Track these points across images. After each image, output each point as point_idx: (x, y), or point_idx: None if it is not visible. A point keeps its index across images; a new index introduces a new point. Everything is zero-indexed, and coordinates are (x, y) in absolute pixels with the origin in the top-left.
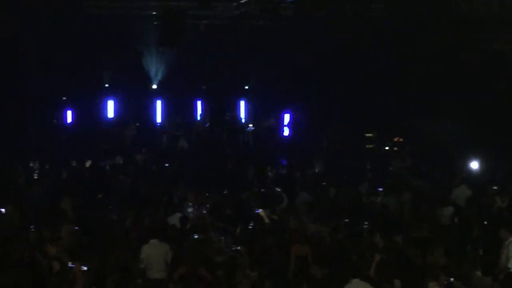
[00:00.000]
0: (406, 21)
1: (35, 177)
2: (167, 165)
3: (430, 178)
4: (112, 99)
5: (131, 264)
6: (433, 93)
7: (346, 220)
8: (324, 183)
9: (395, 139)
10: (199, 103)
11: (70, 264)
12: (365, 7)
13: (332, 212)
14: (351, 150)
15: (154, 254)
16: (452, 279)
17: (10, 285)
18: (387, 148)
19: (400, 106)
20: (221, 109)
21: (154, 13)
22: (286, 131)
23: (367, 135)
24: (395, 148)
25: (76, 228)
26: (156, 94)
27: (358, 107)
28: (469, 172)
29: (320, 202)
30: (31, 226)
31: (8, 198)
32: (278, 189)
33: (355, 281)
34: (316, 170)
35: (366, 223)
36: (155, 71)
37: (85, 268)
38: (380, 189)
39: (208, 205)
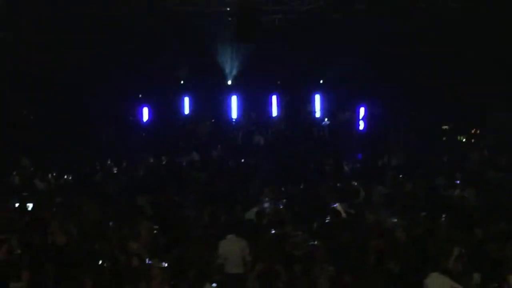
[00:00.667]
0: (482, 14)
1: (113, 174)
2: (242, 160)
3: (509, 170)
4: (188, 96)
5: (209, 260)
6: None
7: (424, 213)
8: (401, 176)
9: (472, 131)
10: (274, 98)
11: (148, 261)
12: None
13: (410, 206)
14: (428, 143)
15: (231, 249)
16: None
17: (90, 280)
18: (464, 140)
19: (477, 97)
20: (297, 104)
21: (228, 9)
22: (361, 125)
23: (444, 127)
24: (472, 140)
25: (155, 226)
26: (231, 89)
27: (434, 99)
28: None
29: (397, 195)
30: (110, 223)
31: (87, 194)
32: (355, 183)
33: (435, 274)
34: (393, 164)
35: (444, 216)
36: (230, 67)
37: (165, 265)
38: (458, 181)
39: (284, 200)
